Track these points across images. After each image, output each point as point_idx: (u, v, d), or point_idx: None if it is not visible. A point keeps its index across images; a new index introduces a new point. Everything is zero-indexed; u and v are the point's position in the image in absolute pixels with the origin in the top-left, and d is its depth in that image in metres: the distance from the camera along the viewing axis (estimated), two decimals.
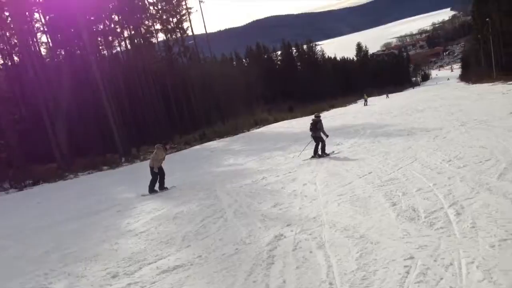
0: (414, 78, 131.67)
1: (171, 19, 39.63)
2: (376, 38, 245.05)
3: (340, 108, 41.78)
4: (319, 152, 12.56)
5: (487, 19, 46.45)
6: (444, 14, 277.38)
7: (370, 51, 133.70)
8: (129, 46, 34.99)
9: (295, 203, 7.38)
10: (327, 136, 12.72)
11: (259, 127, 29.50)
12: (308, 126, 13.28)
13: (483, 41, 55.17)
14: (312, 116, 13.63)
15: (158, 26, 38.91)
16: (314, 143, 12.76)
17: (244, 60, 76.04)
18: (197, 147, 24.02)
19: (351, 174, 9.04)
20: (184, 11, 40.55)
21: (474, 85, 46.49)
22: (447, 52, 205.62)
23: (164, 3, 38.75)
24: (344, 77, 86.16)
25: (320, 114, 14.13)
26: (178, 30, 40.25)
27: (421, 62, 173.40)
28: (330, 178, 9.16)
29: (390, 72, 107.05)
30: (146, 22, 36.81)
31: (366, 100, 44.81)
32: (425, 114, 19.06)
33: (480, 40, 57.30)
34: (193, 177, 13.26)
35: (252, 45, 77.59)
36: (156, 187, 11.36)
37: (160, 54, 39.88)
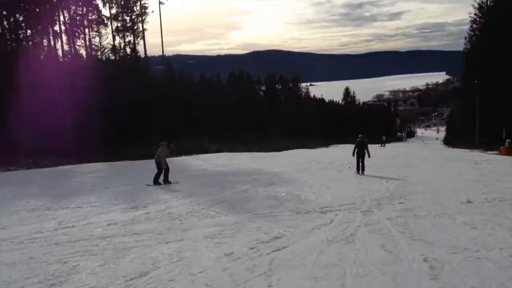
0: (400, 133, 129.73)
1: (125, 16, 35.27)
2: (370, 88, 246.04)
3: (305, 150, 37.79)
4: (360, 171, 14.54)
5: (475, 81, 44.04)
6: (439, 77, 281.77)
7: (362, 100, 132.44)
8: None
9: None
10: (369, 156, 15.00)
11: (186, 156, 24.98)
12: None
13: (470, 107, 52.81)
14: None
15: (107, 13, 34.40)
16: (358, 160, 14.77)
17: (225, 86, 72.98)
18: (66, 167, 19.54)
19: None
20: (138, 10, 35.91)
21: (453, 149, 43.52)
22: (435, 113, 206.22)
23: None
24: (328, 119, 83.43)
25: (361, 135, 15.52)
26: (130, 32, 35.61)
27: (409, 119, 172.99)
28: None
29: (377, 123, 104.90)
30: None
31: (384, 142, 48.03)
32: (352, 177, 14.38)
33: (467, 104, 55.07)
34: None
35: (236, 72, 74.66)
36: (160, 179, 12.68)
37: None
